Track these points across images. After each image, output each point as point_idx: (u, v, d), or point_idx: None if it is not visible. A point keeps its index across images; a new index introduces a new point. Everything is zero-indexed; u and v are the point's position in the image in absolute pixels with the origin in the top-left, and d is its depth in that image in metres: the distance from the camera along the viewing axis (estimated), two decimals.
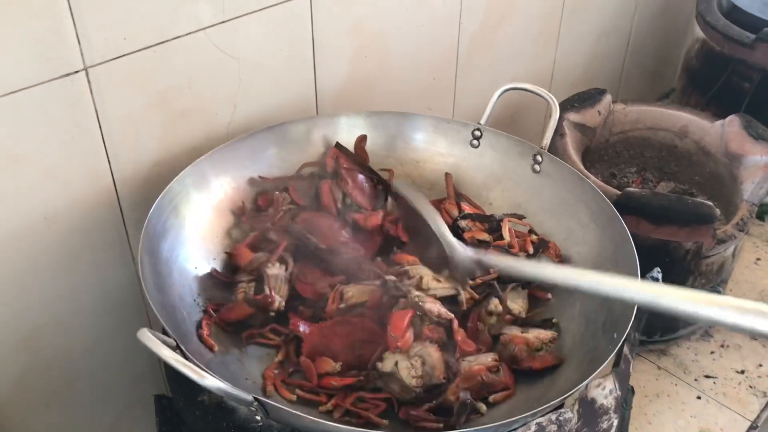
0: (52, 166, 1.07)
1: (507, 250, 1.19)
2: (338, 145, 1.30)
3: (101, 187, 1.15)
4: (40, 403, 1.25)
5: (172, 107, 1.18)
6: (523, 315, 1.14)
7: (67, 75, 1.03)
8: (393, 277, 1.11)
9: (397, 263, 1.18)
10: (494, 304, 1.13)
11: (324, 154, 1.31)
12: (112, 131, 1.12)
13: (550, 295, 1.17)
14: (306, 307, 1.12)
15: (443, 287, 1.13)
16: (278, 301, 1.10)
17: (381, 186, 1.31)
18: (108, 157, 1.13)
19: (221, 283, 1.13)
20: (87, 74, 1.05)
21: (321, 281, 1.14)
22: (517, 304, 1.15)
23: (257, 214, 1.22)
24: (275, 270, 1.12)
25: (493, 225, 1.24)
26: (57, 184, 1.09)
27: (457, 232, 1.23)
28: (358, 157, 1.31)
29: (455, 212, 1.28)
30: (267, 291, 1.08)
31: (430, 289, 1.12)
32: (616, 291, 0.95)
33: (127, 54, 1.08)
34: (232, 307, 1.09)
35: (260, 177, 1.25)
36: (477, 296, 1.14)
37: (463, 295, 1.13)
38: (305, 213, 1.23)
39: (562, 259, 1.20)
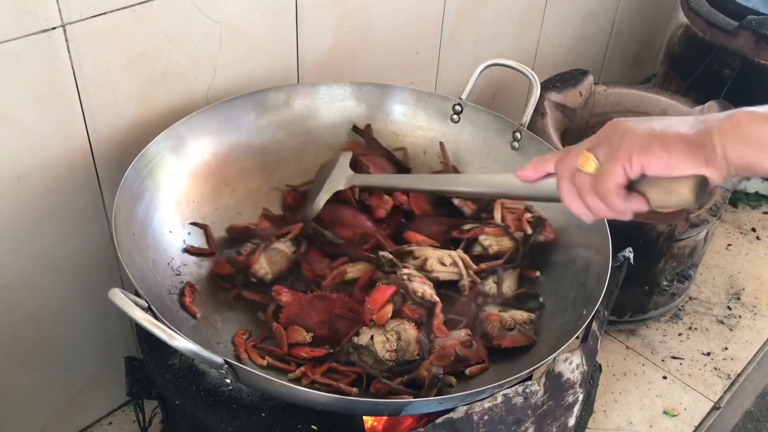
0: (26, 124, 1.06)
1: (506, 229, 1.21)
2: (355, 128, 1.32)
3: (77, 148, 1.14)
4: (9, 363, 1.24)
5: (151, 69, 1.16)
6: (510, 294, 1.15)
7: (44, 31, 1.01)
8: (387, 254, 1.11)
9: (407, 241, 1.20)
10: (489, 286, 1.14)
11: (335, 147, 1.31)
12: (89, 91, 1.10)
13: (538, 273, 1.18)
14: (303, 285, 1.14)
15: (446, 270, 1.14)
16: (263, 269, 1.11)
17: (398, 166, 1.31)
18: (84, 117, 1.12)
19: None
20: (64, 31, 1.03)
21: (322, 264, 1.16)
22: (506, 284, 1.16)
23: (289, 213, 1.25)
24: (281, 246, 1.14)
25: (482, 203, 1.25)
26: (31, 142, 1.08)
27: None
28: (375, 140, 1.32)
29: None
30: (244, 256, 1.10)
31: (434, 271, 1.13)
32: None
33: (106, 12, 1.06)
34: (218, 261, 1.14)
35: (287, 185, 1.28)
36: (479, 281, 1.15)
37: (465, 279, 1.14)
38: (330, 205, 1.23)
39: (554, 236, 1.21)
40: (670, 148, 0.70)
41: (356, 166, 1.26)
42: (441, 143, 1.34)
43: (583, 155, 0.75)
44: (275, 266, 1.13)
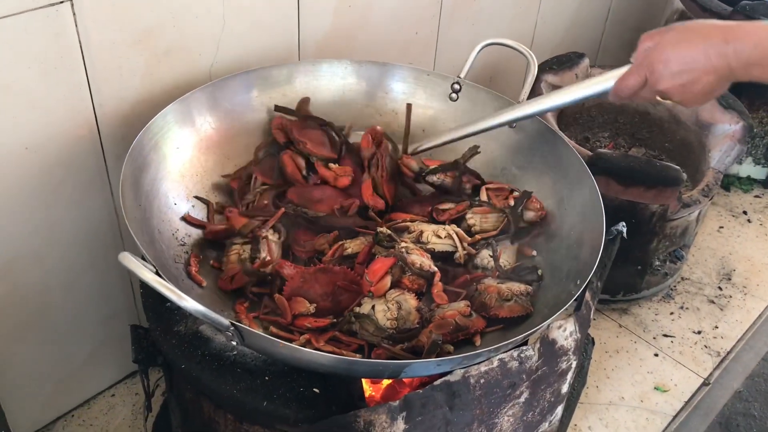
0: (34, 97, 1.08)
1: (490, 204, 1.25)
2: (278, 108, 1.30)
3: (83, 121, 1.16)
4: (16, 333, 1.27)
5: (156, 45, 1.19)
6: (509, 267, 1.17)
7: (52, 5, 1.03)
8: (386, 229, 1.14)
9: (393, 220, 1.22)
10: (486, 260, 1.17)
11: (269, 134, 1.30)
12: (96, 66, 1.13)
13: (534, 253, 1.21)
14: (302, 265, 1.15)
15: (442, 242, 1.17)
16: (274, 263, 1.12)
17: (335, 134, 1.31)
18: (90, 91, 1.14)
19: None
20: (72, 5, 1.05)
21: (319, 239, 1.18)
22: (504, 257, 1.19)
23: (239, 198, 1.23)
24: (270, 235, 1.15)
25: (461, 169, 1.28)
26: (39, 115, 1.10)
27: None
28: (300, 113, 1.30)
29: (414, 165, 1.29)
30: (264, 254, 1.11)
31: (429, 243, 1.16)
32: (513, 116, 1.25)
33: None
34: (228, 277, 1.10)
35: (222, 176, 1.24)
36: (474, 252, 1.18)
37: (460, 251, 1.17)
38: (295, 188, 1.24)
39: (544, 211, 1.24)
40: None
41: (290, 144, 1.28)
42: (407, 104, 1.36)
43: None
44: (275, 257, 1.14)
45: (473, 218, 1.22)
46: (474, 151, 1.30)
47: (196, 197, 1.18)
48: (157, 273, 0.88)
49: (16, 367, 1.31)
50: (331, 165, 1.27)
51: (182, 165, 1.18)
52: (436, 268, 1.10)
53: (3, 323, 1.24)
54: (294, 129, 1.28)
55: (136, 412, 1.49)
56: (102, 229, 1.29)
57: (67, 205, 1.22)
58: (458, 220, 1.23)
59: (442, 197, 1.28)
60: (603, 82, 1.10)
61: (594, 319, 1.80)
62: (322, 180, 1.27)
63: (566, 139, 1.29)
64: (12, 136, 1.09)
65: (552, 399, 1.06)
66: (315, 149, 1.27)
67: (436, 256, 1.17)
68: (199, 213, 1.18)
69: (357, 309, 1.06)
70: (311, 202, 1.23)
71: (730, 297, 1.92)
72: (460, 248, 1.17)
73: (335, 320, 1.07)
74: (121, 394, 1.52)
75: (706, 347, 1.78)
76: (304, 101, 1.33)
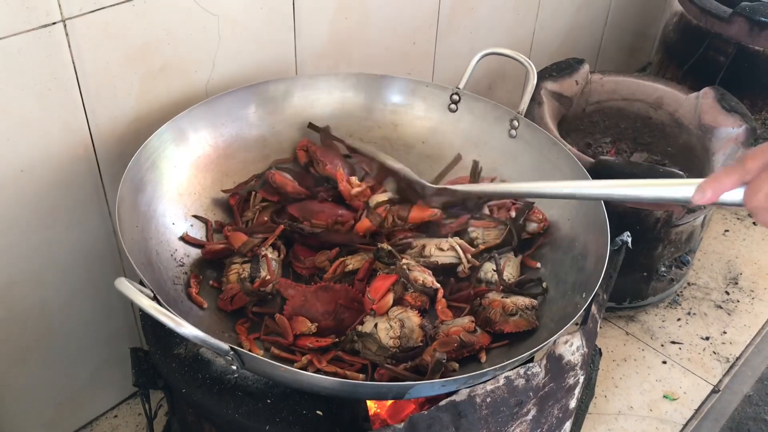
0: (29, 118, 1.07)
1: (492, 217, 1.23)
2: (311, 125, 1.31)
3: (78, 141, 1.15)
4: (16, 356, 1.26)
5: (151, 63, 1.17)
6: (513, 280, 1.16)
7: (45, 26, 1.02)
8: (386, 246, 1.12)
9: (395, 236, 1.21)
10: (489, 273, 1.16)
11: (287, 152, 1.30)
12: (90, 85, 1.11)
13: (539, 264, 1.20)
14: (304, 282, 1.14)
15: (445, 255, 1.16)
16: (274, 282, 1.11)
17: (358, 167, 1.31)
18: (85, 111, 1.13)
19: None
20: (65, 26, 1.04)
21: (320, 257, 1.17)
22: (508, 270, 1.17)
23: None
24: (270, 254, 1.13)
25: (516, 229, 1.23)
26: (34, 136, 1.09)
27: None
28: (332, 140, 1.31)
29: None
30: (264, 273, 1.09)
31: (432, 256, 1.14)
32: (569, 191, 1.03)
33: (106, 7, 1.07)
34: (228, 297, 1.08)
35: (222, 191, 1.23)
36: (477, 263, 1.16)
37: (464, 262, 1.15)
38: (295, 204, 1.23)
39: (547, 222, 1.22)
40: None
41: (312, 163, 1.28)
42: (475, 161, 1.31)
43: None
44: (276, 276, 1.13)
45: (475, 231, 1.21)
46: (528, 206, 1.23)
47: (195, 216, 1.17)
48: (154, 298, 0.86)
49: (16, 391, 1.29)
50: (353, 179, 1.26)
51: (180, 184, 1.16)
52: (438, 285, 1.09)
53: (3, 347, 1.23)
54: (318, 151, 1.28)
55: None
56: (101, 250, 1.28)
57: (65, 227, 1.20)
58: (460, 234, 1.22)
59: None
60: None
61: (600, 328, 1.78)
62: (333, 197, 1.25)
63: (567, 147, 1.28)
64: (7, 159, 1.08)
65: (560, 415, 1.04)
66: (333, 172, 1.26)
67: (439, 269, 1.15)
68: (198, 232, 1.17)
69: (359, 327, 1.05)
70: (311, 213, 1.21)
71: (738, 301, 1.90)
72: (464, 260, 1.16)
73: (337, 339, 1.05)
74: (124, 415, 1.50)
75: (714, 353, 1.76)
76: (327, 128, 1.32)
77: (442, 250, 1.16)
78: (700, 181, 0.82)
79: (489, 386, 0.91)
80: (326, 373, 0.99)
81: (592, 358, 1.27)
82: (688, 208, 1.63)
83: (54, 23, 1.02)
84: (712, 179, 0.80)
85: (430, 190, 1.20)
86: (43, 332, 1.27)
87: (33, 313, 1.24)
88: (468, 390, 0.90)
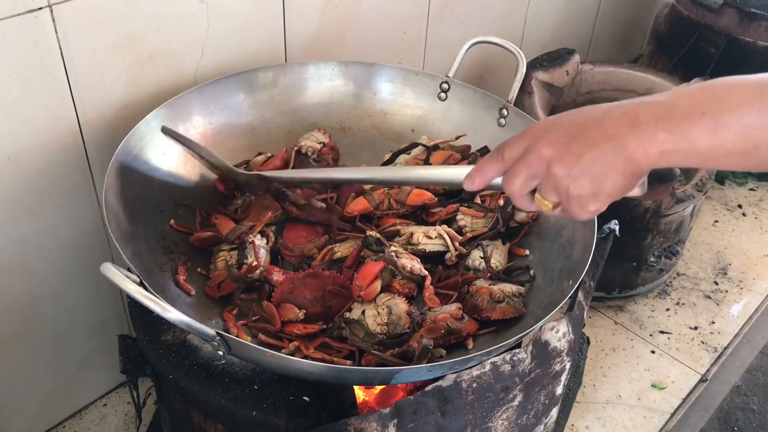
0: (15, 105, 1.06)
1: (482, 205, 1.23)
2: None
3: (66, 129, 1.14)
4: (4, 345, 1.25)
5: (139, 50, 1.17)
6: (501, 268, 1.16)
7: (31, 11, 1.01)
8: (374, 233, 1.12)
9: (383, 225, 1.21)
10: (477, 261, 1.16)
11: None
12: (77, 72, 1.11)
13: (527, 252, 1.20)
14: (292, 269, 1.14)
15: (433, 243, 1.16)
16: (261, 268, 1.10)
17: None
18: (73, 98, 1.12)
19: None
20: (51, 12, 1.03)
21: (308, 244, 1.16)
22: (495, 258, 1.17)
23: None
24: (257, 241, 1.13)
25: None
26: (21, 123, 1.08)
27: None
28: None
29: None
30: (251, 260, 1.09)
31: (420, 244, 1.14)
32: (366, 176, 1.15)
33: None
34: (216, 284, 1.08)
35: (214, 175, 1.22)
36: (465, 251, 1.17)
37: (452, 250, 1.15)
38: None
39: (538, 214, 1.22)
40: None
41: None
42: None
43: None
44: (264, 262, 1.12)
45: (464, 219, 1.21)
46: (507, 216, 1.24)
47: (183, 203, 1.17)
48: (141, 283, 0.86)
49: (4, 379, 1.29)
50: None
51: (168, 171, 1.16)
52: (426, 272, 1.09)
53: None
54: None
55: (128, 422, 1.47)
56: (90, 237, 1.27)
57: (53, 214, 1.20)
58: (449, 223, 1.22)
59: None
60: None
61: (589, 317, 1.79)
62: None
63: None
64: None
65: (546, 401, 1.05)
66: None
67: (427, 257, 1.15)
68: (187, 220, 1.16)
69: (347, 314, 1.05)
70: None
71: (726, 291, 1.91)
72: (451, 247, 1.16)
73: (325, 326, 1.05)
74: (113, 404, 1.50)
75: (703, 343, 1.77)
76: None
77: (430, 237, 1.16)
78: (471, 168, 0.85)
79: (475, 372, 0.91)
80: (313, 359, 0.99)
81: (580, 346, 1.27)
82: (676, 198, 1.64)
83: (40, 8, 1.02)
84: (477, 168, 0.83)
85: (242, 176, 1.19)
86: (31, 320, 1.27)
87: (21, 301, 1.24)
88: (454, 375, 0.90)
